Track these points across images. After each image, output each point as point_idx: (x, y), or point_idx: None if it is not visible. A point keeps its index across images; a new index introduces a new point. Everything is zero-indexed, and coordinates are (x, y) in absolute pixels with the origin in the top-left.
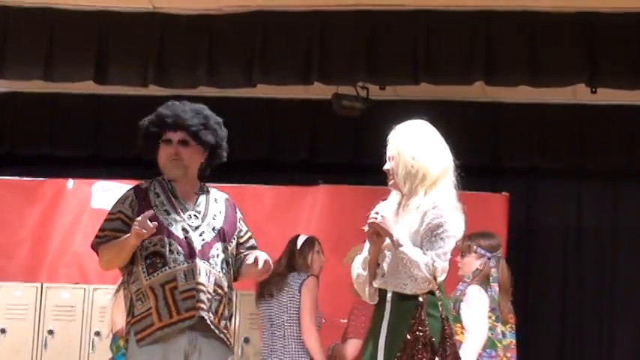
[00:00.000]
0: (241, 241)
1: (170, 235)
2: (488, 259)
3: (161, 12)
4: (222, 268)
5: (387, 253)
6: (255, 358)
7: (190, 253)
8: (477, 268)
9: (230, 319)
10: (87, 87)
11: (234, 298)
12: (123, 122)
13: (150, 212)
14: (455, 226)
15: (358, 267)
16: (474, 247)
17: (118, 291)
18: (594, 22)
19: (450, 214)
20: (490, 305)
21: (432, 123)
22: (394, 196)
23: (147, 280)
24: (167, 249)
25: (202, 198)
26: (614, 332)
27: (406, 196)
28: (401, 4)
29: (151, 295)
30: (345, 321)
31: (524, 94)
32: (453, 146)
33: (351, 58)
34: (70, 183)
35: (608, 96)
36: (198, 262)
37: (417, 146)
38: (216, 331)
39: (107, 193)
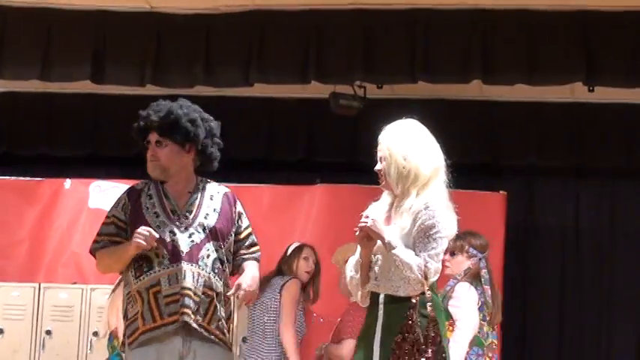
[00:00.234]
0: (240, 237)
1: (157, 238)
2: (479, 259)
3: (158, 11)
4: (213, 269)
5: (379, 256)
6: None
7: (176, 257)
8: (469, 267)
9: (228, 319)
10: (84, 87)
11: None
12: (120, 122)
13: (154, 235)
14: (447, 226)
15: (351, 269)
16: (466, 246)
17: (114, 290)
18: (591, 20)
19: (443, 215)
20: (478, 303)
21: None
22: (385, 197)
23: (135, 283)
24: (153, 252)
25: (196, 196)
26: (612, 332)
27: (398, 197)
28: (398, 3)
29: (138, 298)
30: (339, 320)
31: (521, 92)
32: (450, 145)
33: (348, 57)
34: (68, 183)
35: (606, 94)
36: (184, 265)
37: (409, 147)
38: (206, 334)
39: (105, 193)
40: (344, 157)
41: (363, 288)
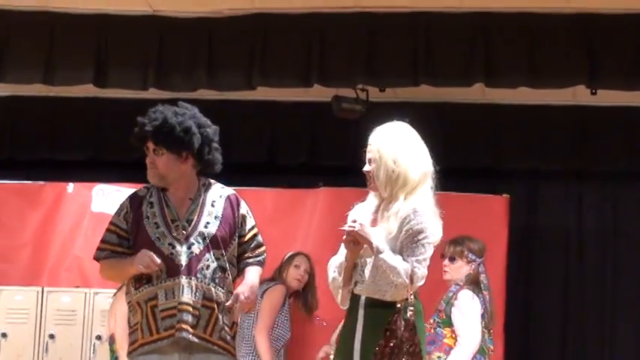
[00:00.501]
0: (245, 240)
1: (156, 251)
2: (478, 264)
3: (160, 15)
4: (213, 279)
5: (368, 260)
6: None
7: (174, 271)
8: (469, 273)
9: (232, 327)
10: (87, 90)
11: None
12: (123, 126)
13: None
14: (434, 232)
15: (334, 271)
16: (466, 252)
17: (115, 294)
18: (593, 23)
19: (431, 221)
20: (481, 311)
21: (431, 125)
22: (372, 198)
23: (135, 294)
24: None
25: (197, 204)
26: (615, 334)
27: (386, 201)
28: (400, 6)
29: (138, 309)
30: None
31: (524, 95)
32: (453, 148)
33: (350, 60)
34: (71, 187)
35: (608, 97)
36: (183, 280)
37: (399, 151)
38: (209, 345)
39: (107, 197)
40: (347, 161)
41: (344, 289)
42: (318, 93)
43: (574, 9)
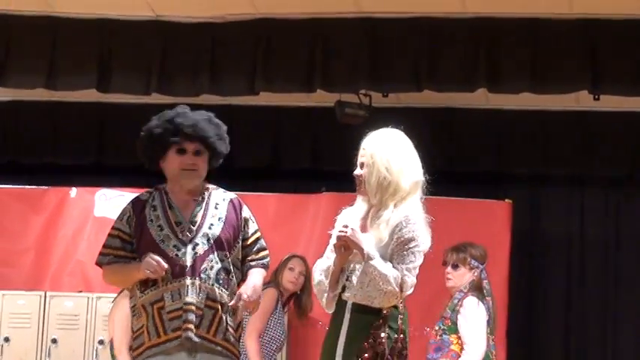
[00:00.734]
0: (248, 243)
1: (161, 253)
2: (480, 270)
3: (164, 20)
4: (217, 280)
5: (358, 266)
6: None
7: (179, 272)
8: (473, 279)
9: (237, 329)
10: (89, 95)
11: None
12: (125, 130)
13: (163, 266)
14: (425, 241)
15: (320, 274)
16: (468, 259)
17: (115, 300)
18: (596, 29)
19: (421, 229)
20: (486, 317)
21: (434, 130)
22: (360, 203)
23: (140, 297)
24: None
25: (201, 206)
26: (618, 339)
27: (375, 207)
28: (403, 12)
29: (143, 312)
30: None
31: (527, 101)
32: (456, 153)
33: (353, 65)
34: (73, 191)
35: (611, 103)
36: (188, 280)
37: (392, 159)
38: (212, 346)
39: (110, 202)
40: (349, 166)
41: (330, 293)
42: (321, 98)
43: (577, 15)
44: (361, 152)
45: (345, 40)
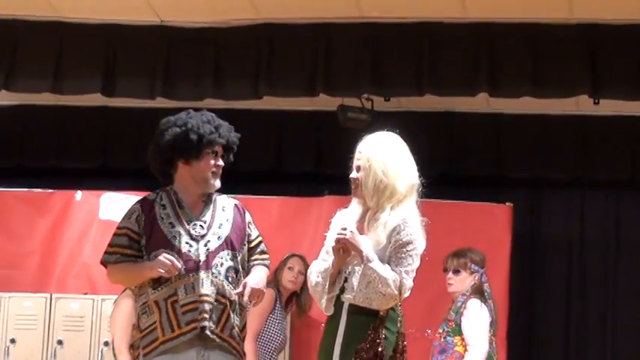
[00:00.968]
0: (252, 245)
1: (174, 248)
2: (480, 274)
3: (168, 25)
4: (226, 277)
5: (357, 268)
6: None
7: (193, 267)
8: (474, 283)
9: (243, 329)
10: (95, 99)
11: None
12: (130, 134)
13: (177, 265)
14: (422, 243)
15: (317, 276)
16: (469, 263)
17: (116, 301)
18: (596, 34)
19: (418, 232)
20: (489, 318)
21: (436, 134)
22: (356, 206)
23: (152, 294)
24: None
25: (209, 207)
26: (617, 342)
27: (372, 210)
28: (405, 17)
29: (155, 309)
30: None
31: (527, 105)
32: (457, 157)
33: (355, 70)
34: (79, 194)
35: (611, 107)
36: (202, 274)
37: (389, 162)
38: (219, 341)
39: (115, 205)
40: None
41: (329, 294)
42: (324, 102)
43: (577, 20)
44: (357, 155)
45: (347, 44)
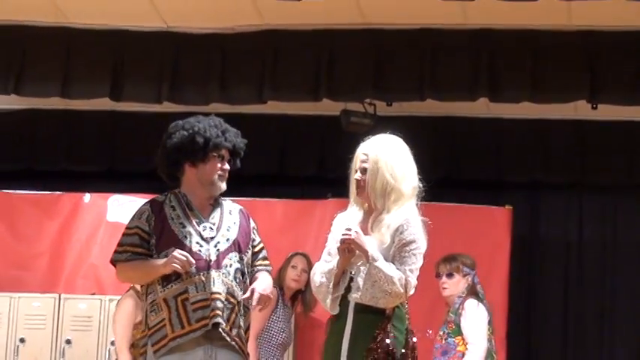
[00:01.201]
0: (255, 250)
1: (185, 248)
2: (472, 276)
3: (175, 31)
4: (235, 278)
5: (362, 268)
6: None
7: (204, 265)
8: (468, 285)
9: (247, 331)
10: (103, 104)
11: (250, 308)
12: (137, 138)
13: (191, 261)
14: (424, 244)
15: (322, 276)
16: (461, 266)
17: (119, 301)
18: (594, 39)
19: (421, 232)
20: (487, 317)
21: (437, 138)
22: (354, 208)
23: (162, 292)
24: None
25: (217, 210)
26: (615, 344)
27: (376, 212)
28: (407, 23)
29: (164, 306)
30: None
31: (526, 110)
32: (457, 161)
33: (358, 75)
34: (87, 197)
35: (609, 112)
36: (213, 272)
37: (396, 166)
38: (228, 339)
39: (123, 207)
40: None
41: (333, 295)
42: (327, 107)
43: (575, 26)
44: (362, 157)
45: (350, 50)
